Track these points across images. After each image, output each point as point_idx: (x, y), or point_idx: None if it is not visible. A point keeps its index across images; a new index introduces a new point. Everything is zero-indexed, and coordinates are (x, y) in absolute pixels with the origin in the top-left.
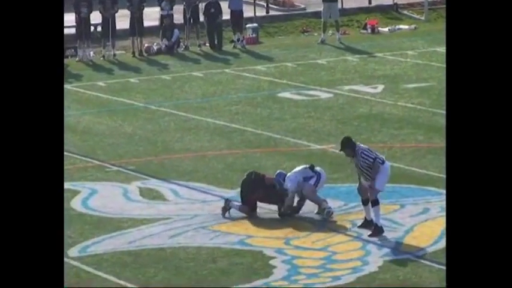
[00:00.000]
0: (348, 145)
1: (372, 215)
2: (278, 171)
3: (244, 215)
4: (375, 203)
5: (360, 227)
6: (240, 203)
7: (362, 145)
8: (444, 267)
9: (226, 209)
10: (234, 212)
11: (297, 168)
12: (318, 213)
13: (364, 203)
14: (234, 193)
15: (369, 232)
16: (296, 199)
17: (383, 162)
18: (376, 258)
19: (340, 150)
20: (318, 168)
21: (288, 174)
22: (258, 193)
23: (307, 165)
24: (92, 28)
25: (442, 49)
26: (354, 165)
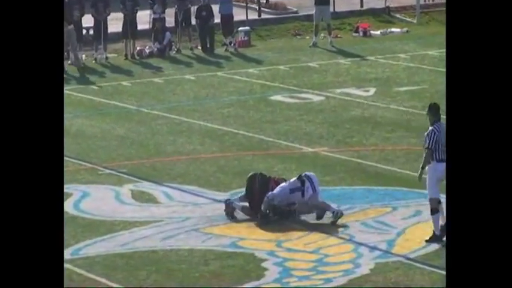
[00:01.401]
0: (431, 111)
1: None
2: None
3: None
4: (432, 211)
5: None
6: (241, 202)
7: (441, 125)
8: (436, 270)
9: (230, 210)
10: (236, 214)
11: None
12: (329, 217)
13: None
14: (227, 195)
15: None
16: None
17: (439, 160)
18: (368, 260)
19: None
20: (307, 174)
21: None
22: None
23: (297, 177)
24: (84, 31)
25: (434, 52)
26: None
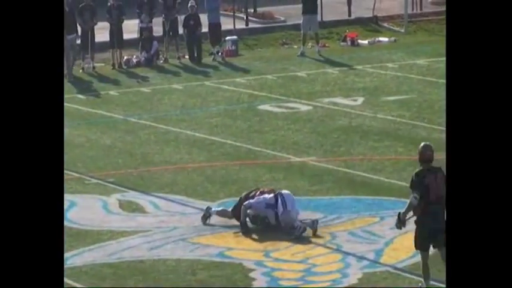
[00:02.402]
0: None
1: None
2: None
3: (224, 223)
4: None
5: None
6: (220, 208)
7: None
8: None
9: (206, 216)
10: (213, 219)
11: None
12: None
13: None
14: (214, 205)
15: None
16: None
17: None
18: (356, 270)
19: None
20: (282, 192)
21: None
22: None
23: (274, 194)
24: None
25: (422, 61)
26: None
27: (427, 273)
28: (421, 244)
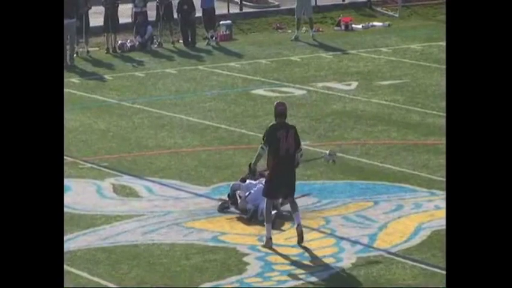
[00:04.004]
0: None
1: None
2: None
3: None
4: None
5: None
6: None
7: None
8: (417, 264)
9: (224, 206)
10: (208, 204)
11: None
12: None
13: None
14: (208, 190)
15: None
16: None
17: None
18: (350, 255)
19: None
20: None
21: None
22: None
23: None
24: None
25: (416, 46)
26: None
27: (269, 216)
28: (269, 193)
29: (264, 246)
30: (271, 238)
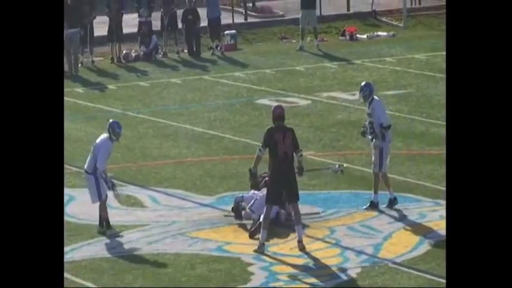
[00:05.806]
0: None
1: None
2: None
3: (223, 218)
4: None
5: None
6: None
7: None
8: (422, 274)
9: (238, 209)
10: (212, 213)
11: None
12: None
13: None
14: (213, 200)
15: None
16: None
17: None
18: (354, 265)
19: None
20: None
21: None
22: None
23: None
24: None
25: (421, 56)
26: None
27: (266, 223)
28: (270, 198)
29: (255, 251)
30: (264, 244)
